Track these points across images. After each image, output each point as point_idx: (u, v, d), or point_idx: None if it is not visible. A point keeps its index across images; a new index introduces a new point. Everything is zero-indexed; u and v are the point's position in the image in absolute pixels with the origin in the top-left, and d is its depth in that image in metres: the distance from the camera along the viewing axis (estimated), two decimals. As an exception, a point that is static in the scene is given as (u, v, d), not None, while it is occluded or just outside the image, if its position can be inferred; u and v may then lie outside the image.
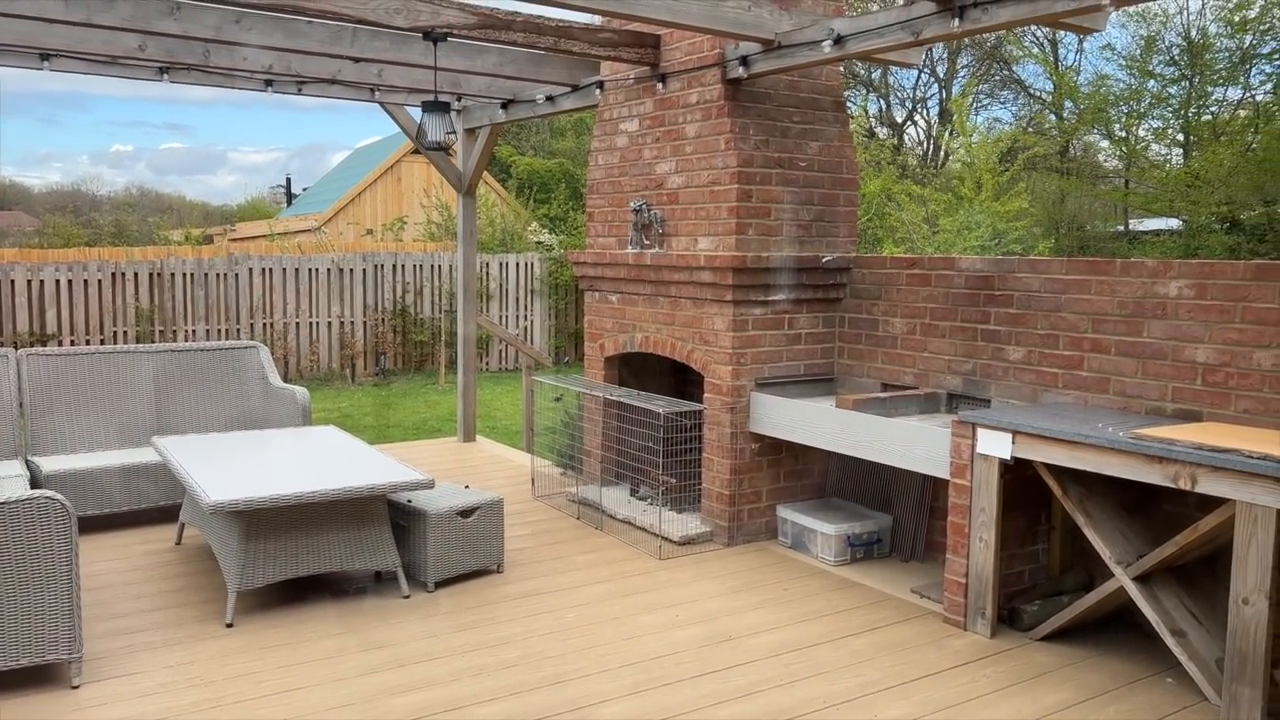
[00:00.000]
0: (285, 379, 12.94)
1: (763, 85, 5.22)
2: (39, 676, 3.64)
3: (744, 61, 5.01)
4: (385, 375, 13.52)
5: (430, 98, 6.27)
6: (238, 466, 4.51)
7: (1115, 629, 4.21)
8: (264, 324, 13.00)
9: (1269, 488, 3.16)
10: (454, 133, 5.16)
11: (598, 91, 6.02)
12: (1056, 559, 4.44)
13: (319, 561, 4.29)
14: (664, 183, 5.60)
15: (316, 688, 3.58)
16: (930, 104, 21.55)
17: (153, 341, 12.33)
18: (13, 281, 11.64)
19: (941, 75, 21.25)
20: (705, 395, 5.36)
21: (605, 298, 6.11)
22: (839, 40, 4.50)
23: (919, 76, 21.18)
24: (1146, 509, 4.09)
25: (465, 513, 4.62)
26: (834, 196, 5.46)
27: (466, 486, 4.95)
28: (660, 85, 5.53)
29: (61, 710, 3.39)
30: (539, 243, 15.70)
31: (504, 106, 6.84)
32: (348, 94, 6.82)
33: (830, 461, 5.54)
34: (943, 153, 18.19)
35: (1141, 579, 3.71)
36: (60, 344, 11.97)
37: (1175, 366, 4.02)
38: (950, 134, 15.73)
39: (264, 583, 4.17)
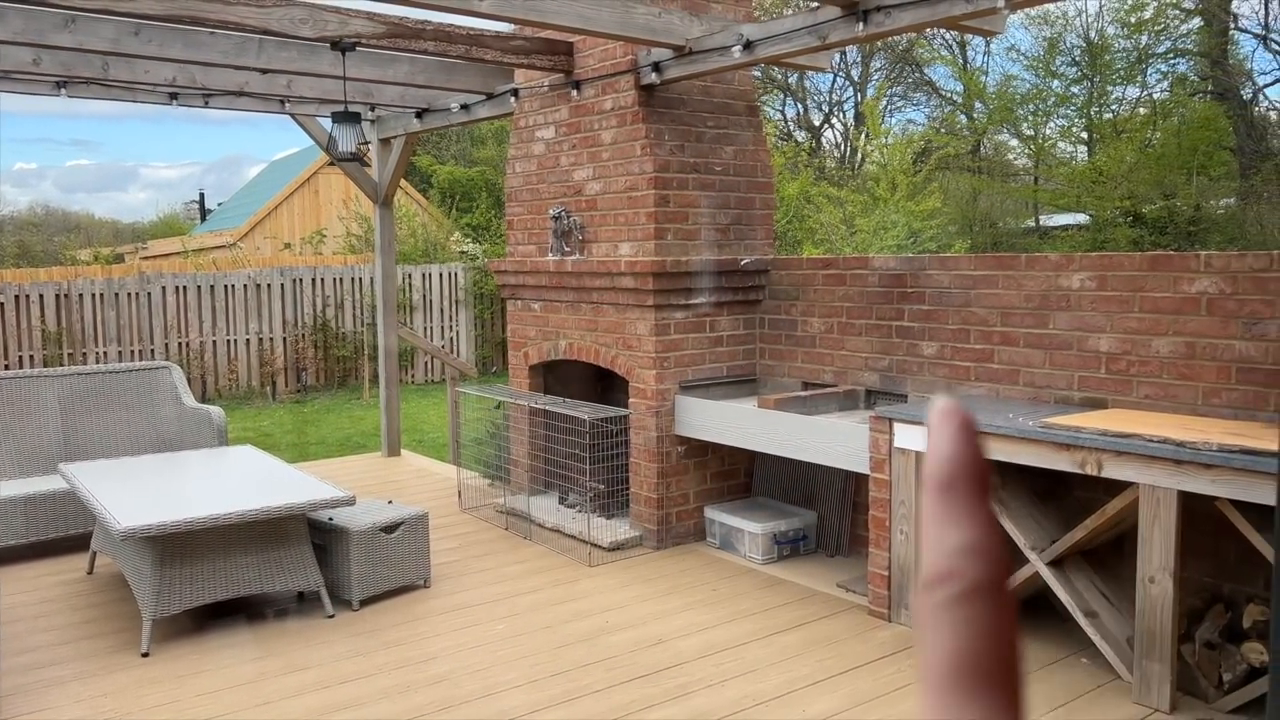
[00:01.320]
0: (203, 399, 12.60)
1: (676, 91, 5.26)
2: (-59, 719, 3.48)
3: (656, 68, 5.04)
4: (307, 391, 13.26)
5: (341, 108, 6.17)
6: (150, 491, 4.38)
7: (1032, 613, 4.32)
8: (179, 343, 12.64)
9: (1169, 470, 3.28)
10: (366, 143, 5.09)
11: (513, 99, 6.00)
12: (975, 548, 4.54)
13: (238, 584, 4.18)
14: (582, 189, 5.60)
15: (239, 714, 3.49)
16: (846, 107, 21.95)
17: (61, 365, 11.90)
18: (-93, 307, 11.13)
19: (856, 78, 21.66)
20: (630, 400, 5.38)
21: (528, 306, 6.09)
22: (748, 45, 4.56)
23: (834, 80, 21.56)
24: (1058, 495, 4.22)
25: (388, 528, 4.55)
26: (750, 200, 5.53)
27: (390, 502, 4.88)
28: (575, 92, 5.54)
29: (-35, 752, 3.25)
30: (463, 252, 15.56)
31: (418, 115, 6.77)
32: (257, 106, 6.68)
33: (756, 461, 5.59)
34: (859, 155, 18.56)
35: (1055, 563, 3.82)
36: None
37: (1080, 356, 4.15)
38: (864, 136, 16.06)
39: (181, 609, 4.06)
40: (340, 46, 4.78)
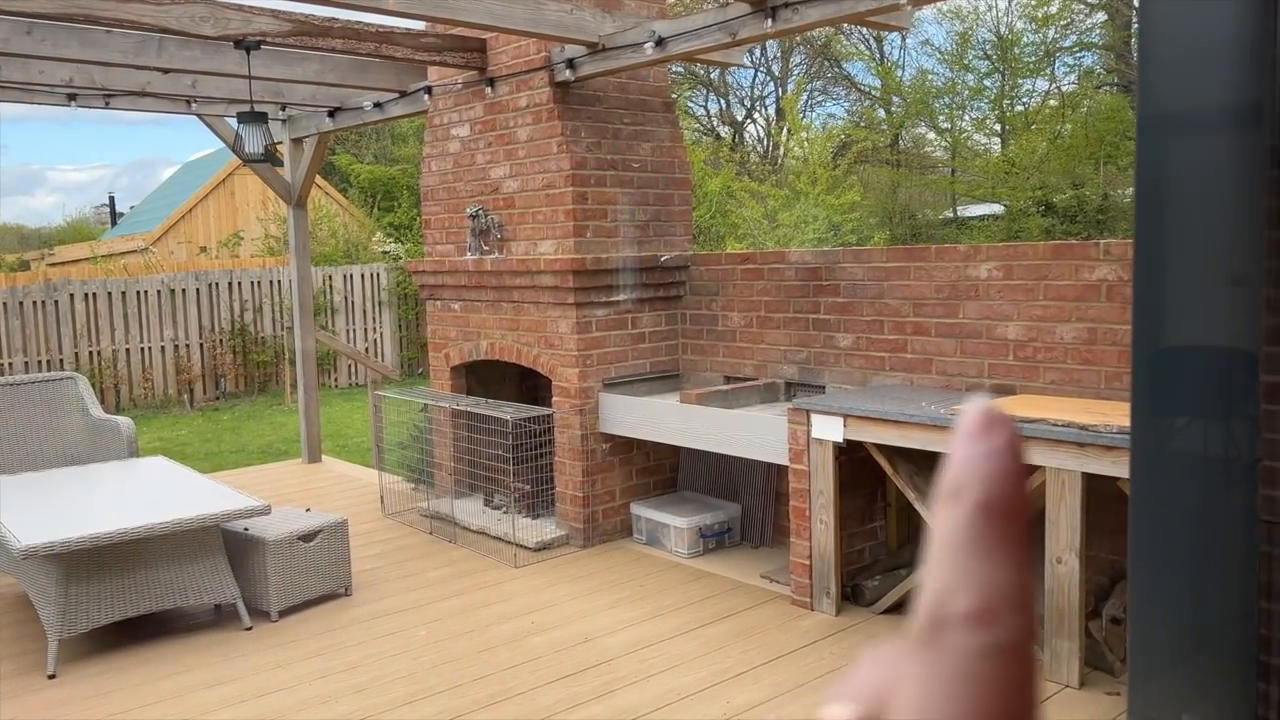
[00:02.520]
0: (118, 409, 12.21)
1: (592, 88, 5.25)
2: None
3: (570, 64, 5.02)
4: (226, 399, 12.94)
5: (249, 108, 6.03)
6: (54, 506, 4.23)
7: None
8: (90, 352, 12.23)
9: (1073, 453, 3.38)
10: (279, 143, 4.97)
11: (426, 97, 5.92)
12: (894, 535, 4.63)
13: (150, 600, 4.06)
14: (499, 187, 5.56)
15: (150, 734, 3.39)
16: (768, 102, 22.15)
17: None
18: None
19: (777, 74, 21.87)
20: (554, 399, 5.35)
21: (448, 306, 6.02)
22: (660, 42, 4.57)
23: (755, 75, 21.73)
24: (972, 481, 4.32)
25: (306, 537, 4.47)
26: (669, 196, 5.54)
27: (308, 509, 4.78)
28: (489, 90, 5.49)
29: None
30: (385, 252, 15.33)
31: (331, 114, 6.65)
32: (161, 107, 6.48)
33: (680, 456, 5.62)
34: (781, 150, 18.75)
35: (969, 547, 3.91)
36: None
37: (990, 344, 4.25)
38: (784, 131, 16.22)
39: (89, 628, 3.93)
40: (244, 45, 4.66)
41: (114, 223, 25.20)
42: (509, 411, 5.17)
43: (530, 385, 6.26)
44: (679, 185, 5.60)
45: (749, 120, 22.17)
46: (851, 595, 4.38)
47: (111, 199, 26.20)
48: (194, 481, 4.63)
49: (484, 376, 6.12)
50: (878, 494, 4.56)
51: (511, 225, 5.49)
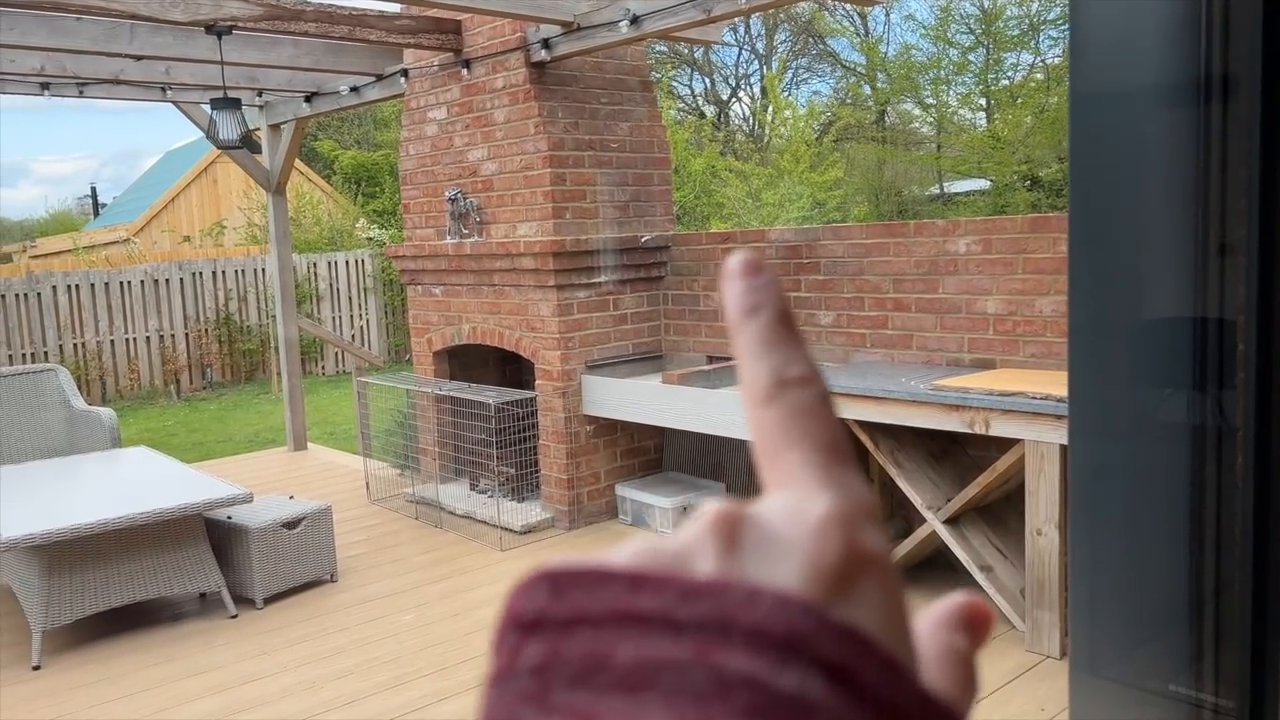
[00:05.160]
0: (104, 401, 12.16)
1: (568, 68, 5.21)
2: None
3: (546, 44, 4.98)
4: (213, 388, 12.90)
5: (233, 94, 5.97)
6: (36, 498, 4.21)
7: (934, 570, 4.44)
8: (75, 344, 12.16)
9: (1051, 426, 3.39)
10: (248, 129, 4.93)
11: (403, 80, 5.87)
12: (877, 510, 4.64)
13: (134, 590, 4.05)
14: (478, 170, 5.52)
15: (135, 723, 3.39)
16: (753, 80, 22.07)
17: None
18: None
19: (762, 51, 21.78)
20: (537, 382, 5.35)
21: (429, 291, 6.00)
22: (635, 20, 4.54)
23: (740, 54, 21.65)
24: (953, 455, 4.33)
25: (290, 524, 4.46)
26: (648, 176, 5.52)
27: (291, 497, 4.77)
28: (465, 71, 5.45)
29: None
30: (369, 238, 15.26)
31: (308, 100, 6.59)
32: (136, 94, 6.42)
33: (665, 437, 5.62)
34: (764, 129, 18.70)
35: (951, 521, 3.92)
36: None
37: (969, 319, 4.26)
38: (767, 109, 16.17)
39: (73, 618, 3.92)
40: (215, 30, 4.61)
41: (96, 214, 25.03)
42: (491, 396, 5.16)
43: (514, 369, 6.25)
44: (658, 165, 5.57)
45: (734, 99, 22.10)
46: (836, 571, 4.39)
47: (93, 189, 26.01)
48: (176, 471, 4.62)
49: (467, 361, 6.10)
50: (861, 470, 4.56)
51: (491, 208, 5.47)
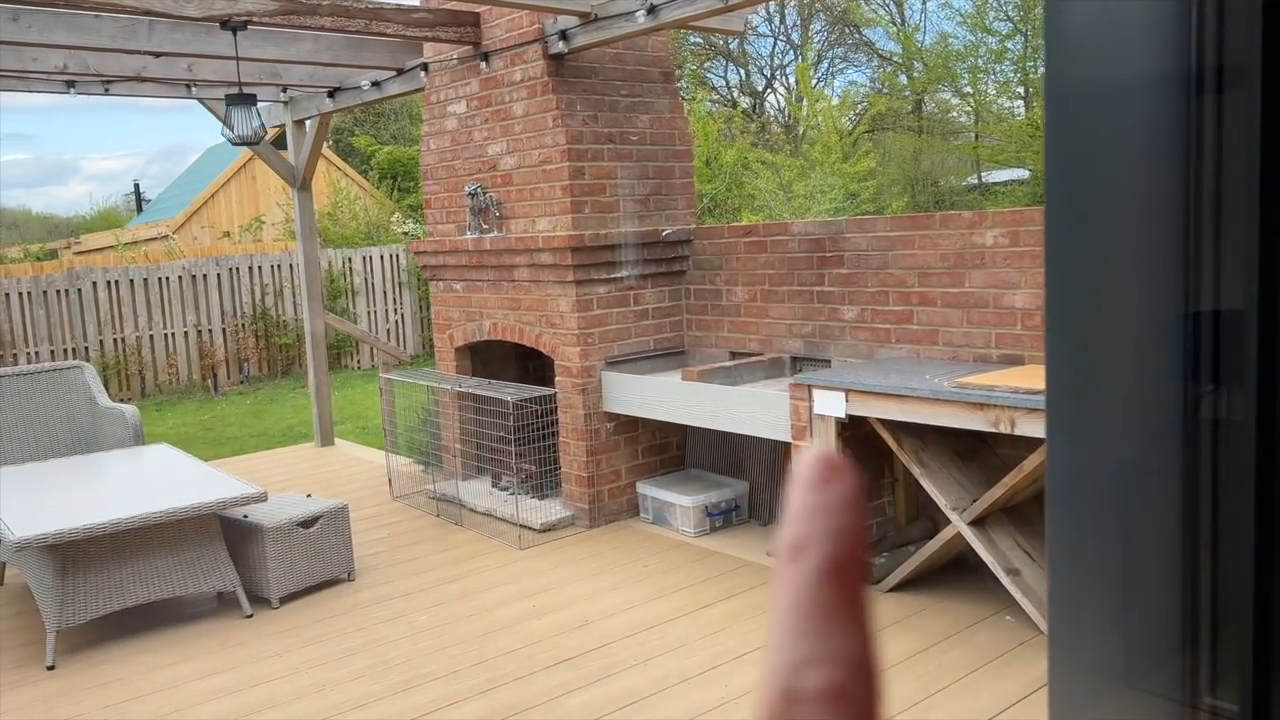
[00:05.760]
0: (143, 395, 12.32)
1: (587, 59, 5.13)
2: None
3: (564, 36, 4.90)
4: (250, 382, 13.02)
5: (249, 90, 5.97)
6: (52, 497, 4.22)
7: (960, 573, 4.31)
8: (115, 339, 12.32)
9: (1079, 425, 3.25)
10: (263, 125, 4.91)
11: (423, 74, 5.83)
12: (902, 511, 4.52)
13: (149, 589, 4.05)
14: (497, 164, 5.46)
15: (143, 724, 3.37)
16: (789, 71, 21.82)
17: (10, 365, 11.54)
18: None
19: (797, 42, 21.52)
20: (556, 378, 5.28)
21: (450, 286, 5.95)
22: (652, 10, 4.44)
23: (775, 44, 21.42)
24: (980, 454, 4.20)
25: (306, 523, 4.43)
26: (669, 169, 5.42)
27: (309, 495, 4.75)
28: (484, 64, 5.38)
29: None
30: (405, 233, 15.31)
31: (331, 95, 6.57)
32: (161, 91, 6.44)
33: (688, 433, 5.53)
34: (796, 120, 18.48)
35: (976, 523, 3.79)
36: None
37: (997, 313, 4.11)
38: (802, 101, 15.96)
39: (88, 618, 3.92)
40: (230, 26, 4.59)
41: (140, 210, 25.42)
42: (510, 392, 5.10)
43: (537, 365, 6.19)
44: (680, 157, 5.47)
45: (769, 90, 21.88)
46: (858, 573, 4.28)
47: (136, 186, 26.42)
48: (193, 469, 4.61)
49: (489, 357, 6.05)
50: (885, 469, 4.45)
51: (510, 203, 5.40)
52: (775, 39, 21.20)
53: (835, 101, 15.03)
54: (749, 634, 3.84)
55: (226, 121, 4.94)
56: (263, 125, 4.89)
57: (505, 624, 4.07)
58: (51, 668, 3.83)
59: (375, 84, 6.22)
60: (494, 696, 3.45)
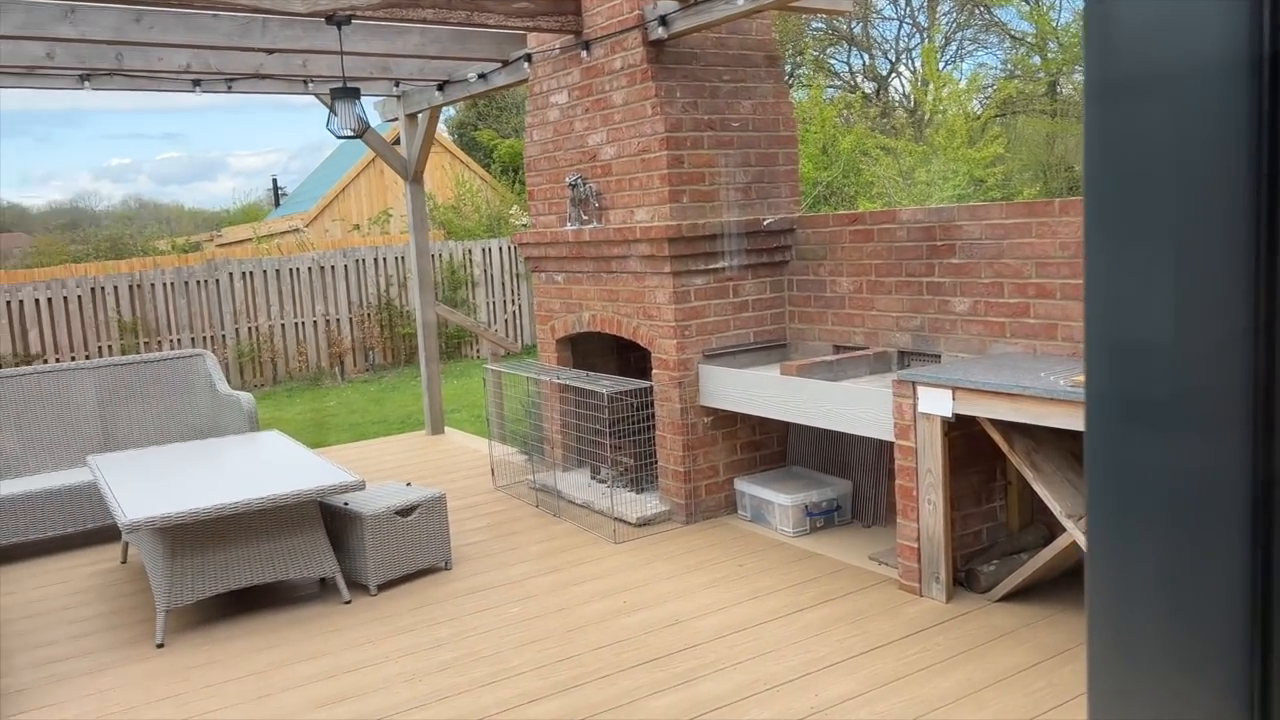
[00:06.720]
0: (275, 381, 12.86)
1: (687, 45, 5.01)
2: (-44, 713, 3.53)
3: (663, 21, 4.80)
4: (375, 370, 13.42)
5: (370, 85, 6.09)
6: (165, 481, 4.39)
7: (1075, 584, 4.03)
8: (249, 328, 12.89)
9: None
10: (365, 118, 4.98)
11: (526, 65, 5.81)
12: (1015, 516, 4.26)
13: (251, 573, 4.16)
14: (597, 154, 5.40)
15: (237, 707, 3.45)
16: (914, 54, 21.13)
17: (138, 354, 12.23)
18: (-10, 304, 11.56)
19: (924, 24, 20.81)
20: (653, 371, 5.19)
21: (551, 278, 5.94)
22: (752, -10, 4.28)
23: (900, 27, 20.77)
24: (1101, 458, 3.90)
25: (404, 511, 4.48)
26: (772, 156, 5.25)
27: (408, 484, 4.81)
28: (585, 53, 5.33)
29: (-29, 748, 3.29)
30: (523, 225, 15.52)
31: (440, 88, 6.65)
32: (279, 88, 6.64)
33: (790, 429, 5.36)
34: (919, 104, 17.84)
35: (1093, 533, 3.52)
36: (45, 363, 11.90)
37: (1121, 307, 3.81)
38: (922, 84, 15.37)
39: (194, 599, 4.05)
40: (335, 20, 4.66)
41: (277, 204, 26.59)
42: (605, 385, 5.05)
43: (638, 357, 6.12)
44: (784, 143, 5.29)
45: (893, 74, 21.23)
46: (965, 580, 4.05)
47: (274, 181, 27.63)
48: (299, 456, 4.72)
49: (589, 349, 6.01)
50: (996, 472, 4.19)
51: (609, 193, 5.33)
52: (900, 22, 20.55)
53: (962, 85, 14.42)
54: (845, 641, 3.67)
55: (330, 115, 5.04)
56: (364, 118, 4.95)
57: (595, 619, 4.01)
58: (161, 645, 3.98)
59: (481, 76, 6.25)
60: (575, 695, 3.39)
